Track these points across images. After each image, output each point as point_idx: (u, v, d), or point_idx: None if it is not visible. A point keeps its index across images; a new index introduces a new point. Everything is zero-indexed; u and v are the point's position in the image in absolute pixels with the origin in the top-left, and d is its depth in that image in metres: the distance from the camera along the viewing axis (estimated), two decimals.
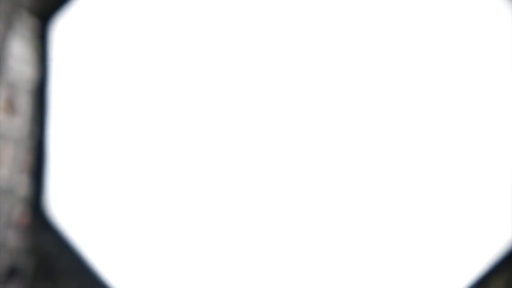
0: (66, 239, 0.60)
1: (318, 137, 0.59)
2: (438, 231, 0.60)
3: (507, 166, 0.62)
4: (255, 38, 0.60)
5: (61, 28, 0.65)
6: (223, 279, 0.59)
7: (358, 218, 0.58)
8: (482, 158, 0.60)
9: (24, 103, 1.48)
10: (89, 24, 0.65)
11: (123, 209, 0.61)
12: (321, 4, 0.62)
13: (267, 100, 0.58)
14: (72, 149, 0.64)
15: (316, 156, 0.58)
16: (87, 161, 0.63)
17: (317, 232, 0.58)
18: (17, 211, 1.87)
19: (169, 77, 0.61)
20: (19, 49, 1.32)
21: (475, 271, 0.61)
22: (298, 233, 0.58)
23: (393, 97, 0.59)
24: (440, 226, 0.60)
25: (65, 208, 0.62)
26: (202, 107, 0.59)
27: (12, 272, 1.76)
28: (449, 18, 0.62)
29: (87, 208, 0.62)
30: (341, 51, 0.61)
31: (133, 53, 0.62)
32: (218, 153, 0.58)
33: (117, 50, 0.63)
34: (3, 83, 1.66)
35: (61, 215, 0.62)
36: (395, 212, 0.59)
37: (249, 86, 0.59)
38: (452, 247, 0.60)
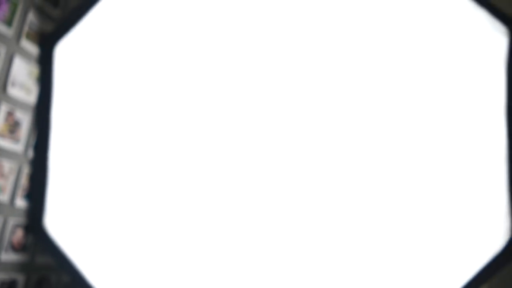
0: (63, 255, 0.60)
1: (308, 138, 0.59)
2: (432, 232, 0.60)
3: (497, 166, 0.62)
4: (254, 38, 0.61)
5: (65, 51, 0.67)
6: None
7: (355, 218, 0.58)
8: (463, 158, 0.61)
9: (26, 124, 1.50)
10: (92, 48, 0.67)
11: (122, 226, 0.61)
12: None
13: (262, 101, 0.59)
14: (72, 168, 0.65)
15: (307, 156, 0.59)
16: (86, 179, 0.64)
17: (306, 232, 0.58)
18: (16, 228, 1.89)
19: (174, 97, 0.62)
20: (22, 71, 1.35)
21: (469, 272, 0.61)
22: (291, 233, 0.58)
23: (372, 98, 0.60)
24: (434, 226, 0.60)
25: (63, 225, 0.62)
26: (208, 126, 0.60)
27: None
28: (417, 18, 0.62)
29: (85, 225, 0.62)
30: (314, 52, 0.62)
31: (137, 76, 0.64)
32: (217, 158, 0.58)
33: (120, 72, 0.65)
34: (6, 104, 1.69)
35: (59, 232, 0.63)
36: (391, 212, 0.59)
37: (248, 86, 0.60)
38: (446, 248, 0.60)
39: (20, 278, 1.79)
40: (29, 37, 1.14)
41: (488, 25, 0.68)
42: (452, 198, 0.68)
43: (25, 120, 1.53)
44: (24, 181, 1.67)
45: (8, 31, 1.68)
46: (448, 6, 0.70)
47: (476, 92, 0.69)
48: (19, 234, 1.80)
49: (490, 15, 0.68)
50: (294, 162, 0.68)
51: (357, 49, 0.71)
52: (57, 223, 0.73)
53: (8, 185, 1.86)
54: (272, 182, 0.68)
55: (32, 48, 1.15)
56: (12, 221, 1.93)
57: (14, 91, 1.81)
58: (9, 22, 1.66)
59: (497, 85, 0.69)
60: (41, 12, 1.17)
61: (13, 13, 1.66)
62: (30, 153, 1.19)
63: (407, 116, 0.69)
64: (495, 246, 0.68)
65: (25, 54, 1.13)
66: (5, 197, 1.91)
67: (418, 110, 0.69)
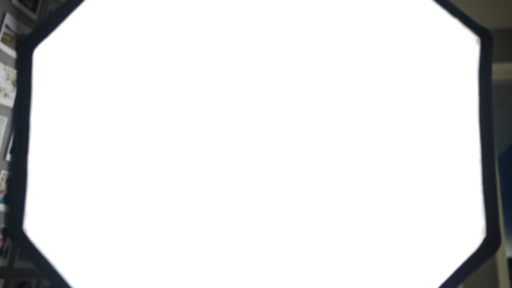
0: (43, 259, 0.59)
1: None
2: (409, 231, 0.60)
3: (472, 168, 0.63)
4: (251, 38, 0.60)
5: (43, 54, 0.65)
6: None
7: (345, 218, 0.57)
8: (438, 162, 0.61)
9: (4, 127, 1.48)
10: (71, 51, 0.65)
11: (103, 229, 0.60)
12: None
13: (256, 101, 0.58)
14: (51, 171, 0.63)
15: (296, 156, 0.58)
16: (66, 182, 0.62)
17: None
18: None
19: (155, 98, 0.61)
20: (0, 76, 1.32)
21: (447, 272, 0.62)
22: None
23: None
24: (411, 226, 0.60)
25: (43, 228, 0.61)
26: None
27: None
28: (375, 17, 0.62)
29: (65, 229, 0.61)
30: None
31: (117, 78, 0.62)
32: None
33: (100, 75, 0.63)
34: None
35: (39, 236, 0.61)
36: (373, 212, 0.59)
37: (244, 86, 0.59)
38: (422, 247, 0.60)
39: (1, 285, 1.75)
40: (5, 41, 1.12)
41: (462, 34, 0.70)
42: (428, 200, 0.70)
43: (3, 123, 1.51)
44: (2, 184, 1.64)
45: None
46: (424, 16, 0.72)
47: (451, 97, 0.71)
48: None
49: (463, 25, 0.70)
50: (286, 163, 0.69)
51: (343, 56, 0.72)
52: (37, 227, 0.72)
53: None
54: (269, 182, 0.69)
55: (9, 52, 1.14)
56: None
57: None
58: None
59: (471, 90, 0.71)
60: (18, 16, 1.15)
61: None
62: (8, 157, 1.17)
63: (385, 120, 0.71)
64: (471, 246, 0.69)
65: (1, 58, 1.12)
66: None
67: (395, 115, 0.71)
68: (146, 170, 0.72)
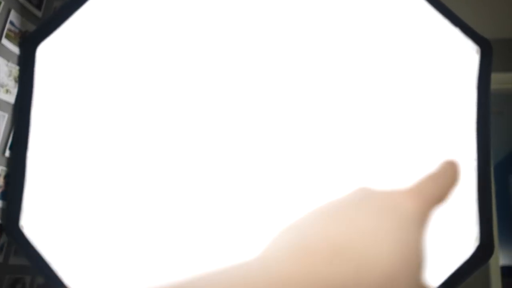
0: (39, 256, 0.59)
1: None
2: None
3: (467, 176, 0.63)
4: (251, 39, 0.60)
5: (46, 51, 0.65)
6: None
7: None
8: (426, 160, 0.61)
9: (4, 123, 1.48)
10: (74, 49, 0.65)
11: (99, 227, 0.60)
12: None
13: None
14: (50, 169, 0.63)
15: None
16: (64, 180, 0.62)
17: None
18: None
19: (159, 103, 0.61)
20: (1, 71, 1.32)
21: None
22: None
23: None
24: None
25: (41, 227, 0.61)
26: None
27: None
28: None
29: (61, 226, 0.61)
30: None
31: (119, 77, 0.62)
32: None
33: (102, 74, 0.63)
34: None
35: (37, 234, 0.61)
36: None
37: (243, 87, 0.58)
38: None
39: None
40: (9, 37, 1.13)
41: (462, 43, 0.71)
42: None
43: (3, 119, 1.51)
44: (0, 180, 1.64)
45: None
46: (426, 25, 0.72)
47: (449, 105, 0.72)
48: None
49: (464, 34, 0.71)
50: (286, 162, 0.69)
51: (345, 59, 0.72)
52: (33, 224, 0.72)
53: None
54: (268, 182, 0.69)
55: (13, 48, 1.14)
56: None
57: None
58: None
59: (469, 99, 0.71)
60: (23, 13, 1.16)
61: None
62: (7, 153, 1.17)
63: (383, 126, 0.71)
64: (464, 253, 0.69)
65: (4, 54, 1.12)
66: None
67: (394, 121, 0.71)
68: (144, 168, 0.72)
